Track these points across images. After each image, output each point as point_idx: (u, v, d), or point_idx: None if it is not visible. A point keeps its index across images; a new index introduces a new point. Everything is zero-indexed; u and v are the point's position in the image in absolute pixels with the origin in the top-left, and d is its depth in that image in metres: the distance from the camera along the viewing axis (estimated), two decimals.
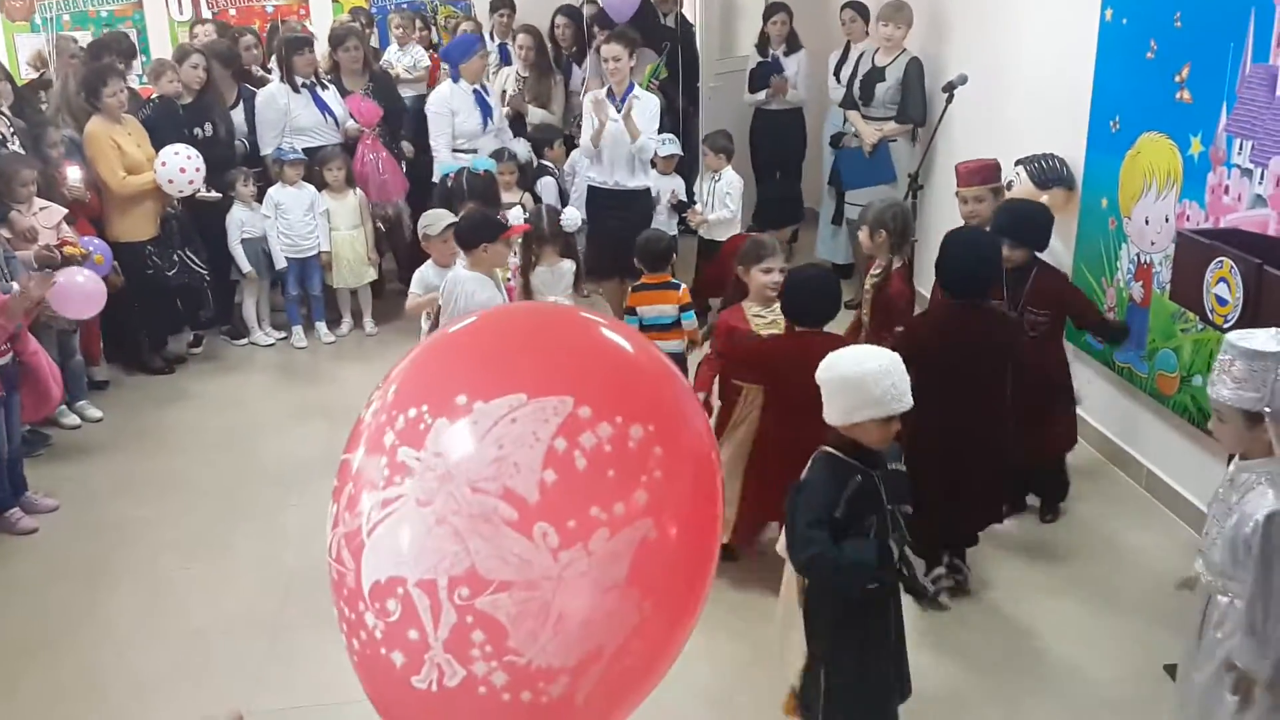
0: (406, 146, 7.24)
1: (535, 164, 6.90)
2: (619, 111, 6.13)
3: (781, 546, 2.92)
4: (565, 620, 1.14)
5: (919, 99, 6.54)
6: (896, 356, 2.80)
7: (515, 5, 7.97)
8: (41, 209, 5.53)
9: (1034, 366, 4.05)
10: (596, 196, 6.38)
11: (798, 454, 3.27)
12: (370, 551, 1.21)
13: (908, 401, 2.75)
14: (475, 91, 6.70)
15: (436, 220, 5.07)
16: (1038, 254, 4.34)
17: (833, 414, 2.80)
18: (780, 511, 3.75)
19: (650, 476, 1.18)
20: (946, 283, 4.01)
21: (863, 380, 2.72)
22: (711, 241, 6.63)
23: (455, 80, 6.69)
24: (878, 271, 4.61)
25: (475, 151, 6.59)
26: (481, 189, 5.63)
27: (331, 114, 6.83)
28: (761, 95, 7.68)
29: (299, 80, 6.74)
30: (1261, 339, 2.59)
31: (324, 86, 6.88)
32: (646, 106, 6.24)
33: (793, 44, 7.67)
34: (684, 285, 5.03)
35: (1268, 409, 2.56)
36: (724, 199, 6.47)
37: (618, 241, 5.56)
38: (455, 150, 6.63)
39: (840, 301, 4.12)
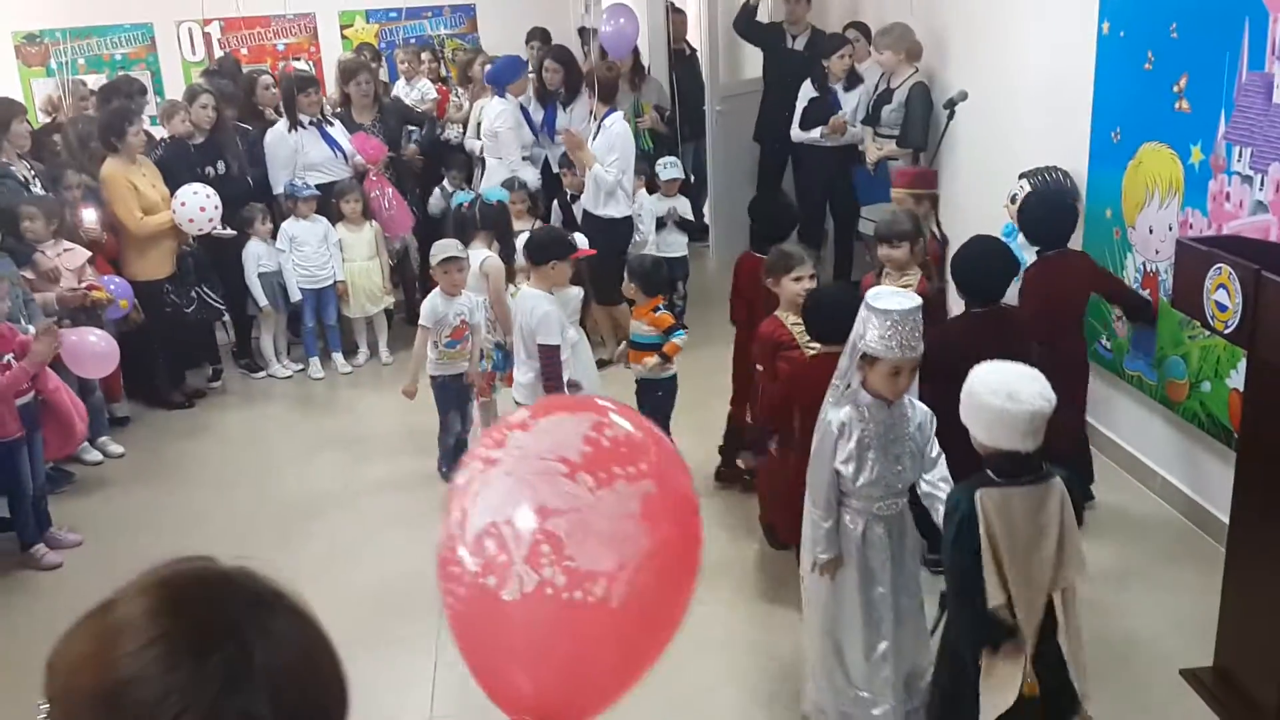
0: (412, 148, 7.43)
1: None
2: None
3: None
4: (598, 534, 1.69)
5: (919, 124, 6.47)
6: None
7: (551, 37, 8.09)
8: (66, 250, 5.63)
9: None
10: (585, 221, 6.55)
11: None
12: (471, 515, 1.74)
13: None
14: (521, 108, 7.02)
15: (440, 250, 5.16)
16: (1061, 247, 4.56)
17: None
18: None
19: (648, 457, 1.79)
20: (960, 285, 4.22)
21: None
22: None
23: (503, 97, 6.94)
24: (901, 282, 4.61)
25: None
26: (494, 218, 5.69)
27: (340, 149, 6.95)
28: (816, 134, 7.06)
29: (304, 118, 6.85)
30: (895, 300, 3.08)
31: (329, 123, 7.00)
32: (608, 137, 6.36)
33: (852, 79, 7.03)
34: (664, 311, 4.97)
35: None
36: (637, 220, 6.61)
37: (596, 264, 5.64)
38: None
39: None
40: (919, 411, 3.27)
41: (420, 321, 5.21)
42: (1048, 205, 4.64)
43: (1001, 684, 2.83)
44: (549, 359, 4.51)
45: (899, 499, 3.28)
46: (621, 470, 1.75)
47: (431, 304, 5.15)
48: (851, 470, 3.20)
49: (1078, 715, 2.93)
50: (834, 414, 3.23)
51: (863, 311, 3.13)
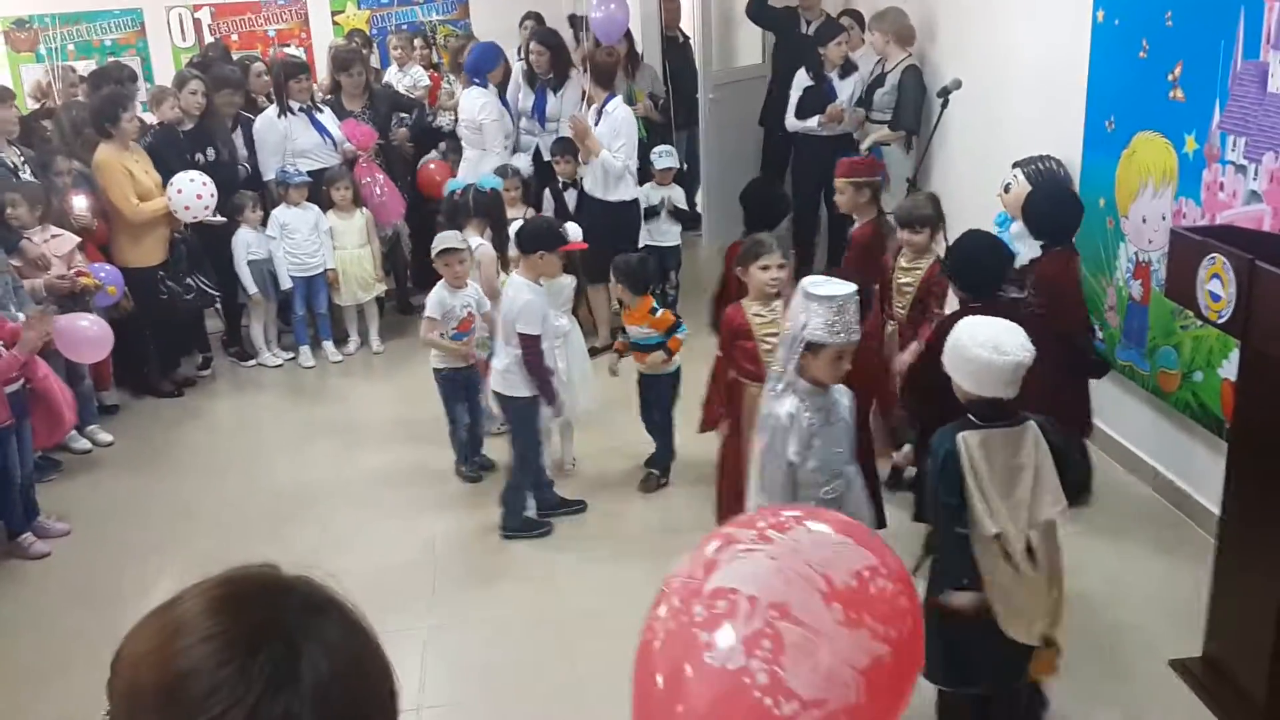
0: (403, 132, 7.35)
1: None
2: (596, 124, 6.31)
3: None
4: (818, 663, 1.65)
5: (911, 107, 6.45)
6: None
7: (545, 21, 8.06)
8: (54, 236, 5.59)
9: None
10: (588, 205, 6.50)
11: None
12: (720, 571, 1.74)
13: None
14: (500, 97, 6.98)
15: (439, 242, 5.10)
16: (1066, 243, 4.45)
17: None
18: None
19: (897, 627, 1.74)
20: (954, 280, 4.21)
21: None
22: None
23: (484, 86, 6.87)
24: (915, 264, 4.68)
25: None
26: (488, 206, 5.66)
27: (329, 135, 6.91)
28: (813, 123, 6.91)
29: (294, 104, 6.81)
30: (830, 287, 3.14)
31: (319, 109, 6.96)
32: (612, 123, 6.31)
33: (847, 67, 6.90)
34: (662, 310, 5.01)
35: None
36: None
37: (607, 249, 5.60)
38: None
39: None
40: (842, 392, 3.37)
41: (427, 313, 5.07)
42: (1053, 200, 4.55)
43: (1023, 599, 2.94)
44: (528, 347, 4.52)
45: (838, 481, 3.35)
46: (871, 622, 1.74)
47: (438, 296, 5.03)
48: (799, 459, 3.26)
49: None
50: (779, 406, 3.26)
51: (800, 302, 3.18)
